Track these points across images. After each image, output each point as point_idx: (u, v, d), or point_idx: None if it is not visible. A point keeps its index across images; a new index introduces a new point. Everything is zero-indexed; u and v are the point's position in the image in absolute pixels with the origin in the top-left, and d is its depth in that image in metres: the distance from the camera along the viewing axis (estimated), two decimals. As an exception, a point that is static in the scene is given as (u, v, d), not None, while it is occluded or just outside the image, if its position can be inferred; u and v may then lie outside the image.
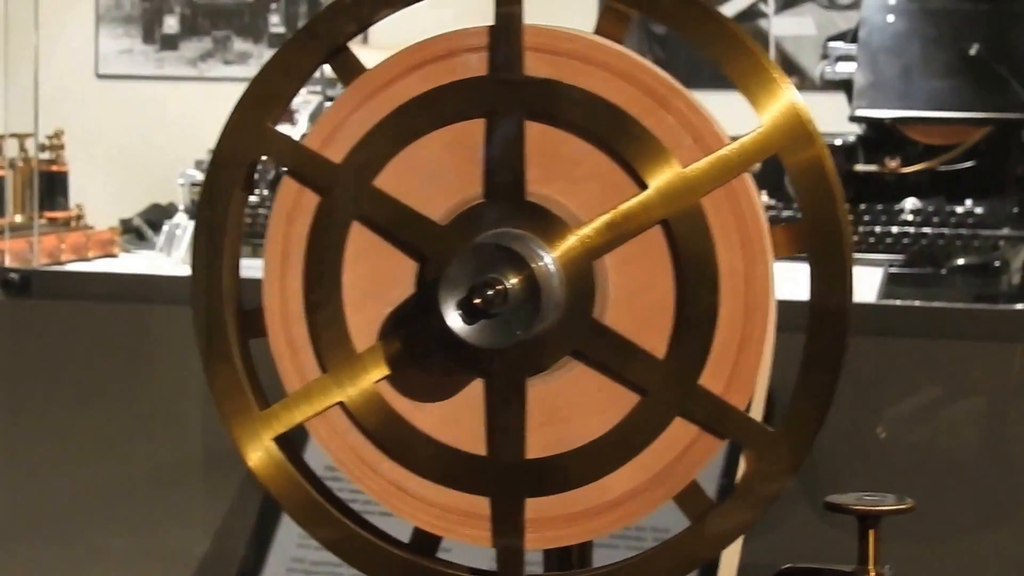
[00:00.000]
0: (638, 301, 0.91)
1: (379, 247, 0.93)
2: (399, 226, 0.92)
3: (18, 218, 3.89)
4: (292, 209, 0.94)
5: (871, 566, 0.98)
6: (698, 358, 0.90)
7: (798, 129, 0.89)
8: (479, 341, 0.88)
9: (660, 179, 0.89)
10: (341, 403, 0.94)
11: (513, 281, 0.87)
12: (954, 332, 1.94)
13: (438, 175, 0.92)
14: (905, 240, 3.16)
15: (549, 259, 0.89)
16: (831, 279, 0.89)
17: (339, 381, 0.93)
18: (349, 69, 0.93)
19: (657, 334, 0.91)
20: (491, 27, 0.91)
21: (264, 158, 0.96)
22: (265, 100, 0.94)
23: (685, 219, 0.89)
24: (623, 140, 0.90)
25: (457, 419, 0.93)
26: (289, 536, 1.72)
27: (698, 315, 0.90)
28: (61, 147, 4.13)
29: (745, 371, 0.90)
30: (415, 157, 0.92)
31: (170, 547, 1.88)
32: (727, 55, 0.90)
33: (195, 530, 1.86)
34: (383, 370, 0.93)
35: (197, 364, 0.96)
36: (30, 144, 3.95)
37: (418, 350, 0.93)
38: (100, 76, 4.32)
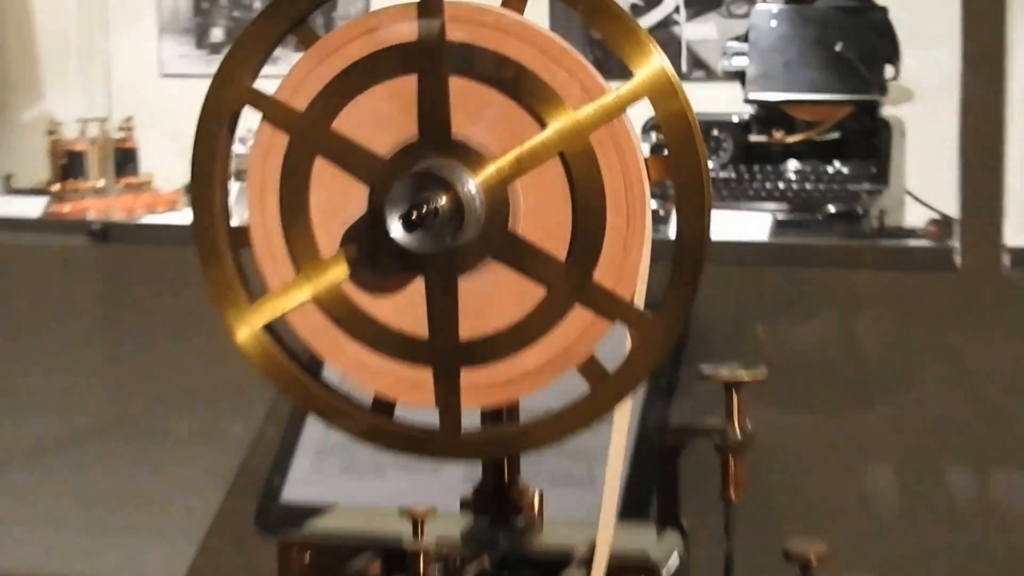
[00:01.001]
0: (543, 216, 0.89)
1: (337, 176, 0.91)
2: (352, 159, 0.90)
3: (101, 183, 3.91)
4: (267, 147, 0.92)
5: (735, 421, 0.97)
6: (591, 259, 0.88)
7: (664, 83, 0.87)
8: (417, 248, 0.87)
9: (556, 121, 0.87)
10: (314, 298, 0.92)
11: (443, 200, 0.86)
12: (825, 263, 1.94)
13: (382, 120, 0.90)
14: (788, 194, 3.17)
15: (471, 184, 0.87)
16: (691, 198, 0.87)
17: (310, 281, 0.91)
18: (308, 37, 0.91)
19: (559, 242, 0.88)
20: (419, 3, 0.89)
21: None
22: (243, 62, 0.92)
23: (577, 152, 0.88)
24: (526, 90, 0.88)
25: (405, 310, 0.91)
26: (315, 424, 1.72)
27: (590, 226, 0.88)
28: (131, 129, 4.12)
29: (629, 269, 0.88)
30: (363, 106, 0.90)
31: (223, 432, 1.88)
32: (607, 25, 0.88)
33: (244, 421, 1.85)
34: (345, 272, 0.91)
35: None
36: (101, 127, 4.02)
37: (370, 256, 0.90)
38: (164, 75, 4.38)
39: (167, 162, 3.80)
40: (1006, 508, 1.70)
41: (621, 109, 0.87)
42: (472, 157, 0.88)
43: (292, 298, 0.92)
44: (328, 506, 1.56)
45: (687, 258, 0.88)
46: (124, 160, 4.04)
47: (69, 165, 3.93)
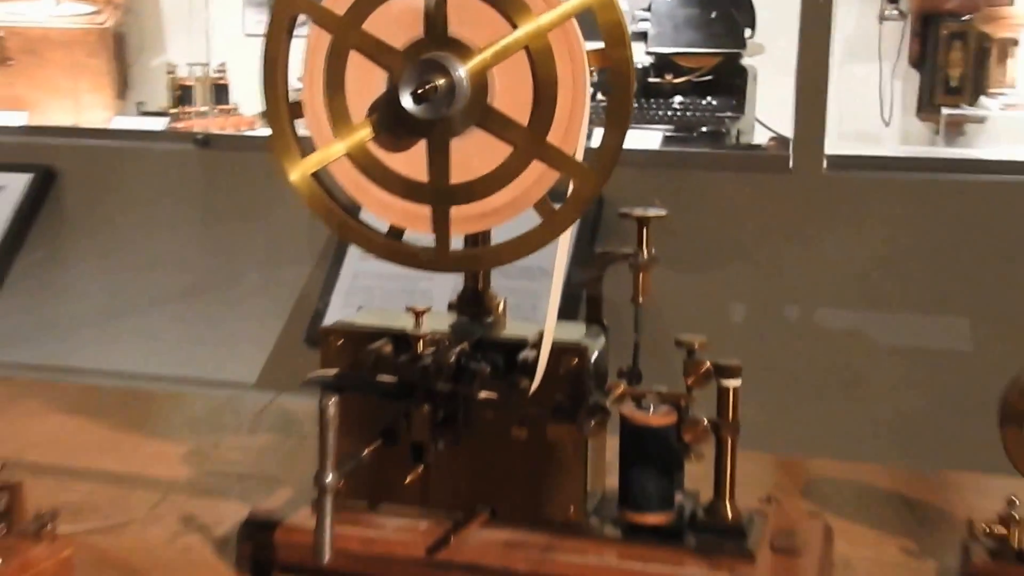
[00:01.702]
0: (512, 94, 0.86)
1: (365, 64, 0.88)
2: (376, 52, 0.87)
3: (203, 108, 4.17)
4: (316, 44, 0.89)
5: (643, 246, 0.95)
6: (546, 126, 0.86)
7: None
8: (421, 116, 0.85)
9: (524, 24, 0.85)
10: (347, 153, 0.90)
11: (441, 81, 0.84)
12: (699, 166, 1.94)
13: (398, 23, 0.87)
14: (674, 118, 3.19)
15: (462, 70, 0.85)
16: (619, 78, 0.85)
17: (345, 140, 0.89)
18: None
19: (523, 113, 0.86)
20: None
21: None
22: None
23: (539, 47, 0.85)
24: (503, 1, 0.85)
25: (412, 162, 0.89)
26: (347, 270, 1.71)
27: (546, 102, 0.86)
28: (224, 71, 4.35)
29: (573, 133, 0.86)
30: (385, 12, 0.87)
31: (283, 279, 1.86)
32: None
33: (298, 271, 1.83)
34: (370, 133, 0.89)
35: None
36: (204, 69, 4.35)
37: (388, 122, 0.88)
38: (246, 35, 4.64)
39: (248, 95, 3.99)
40: (822, 332, 1.73)
41: (571, 15, 0.85)
42: (463, 50, 0.86)
43: (331, 153, 0.90)
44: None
45: (615, 119, 0.86)
46: (219, 93, 4.34)
47: (182, 96, 4.22)
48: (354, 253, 1.77)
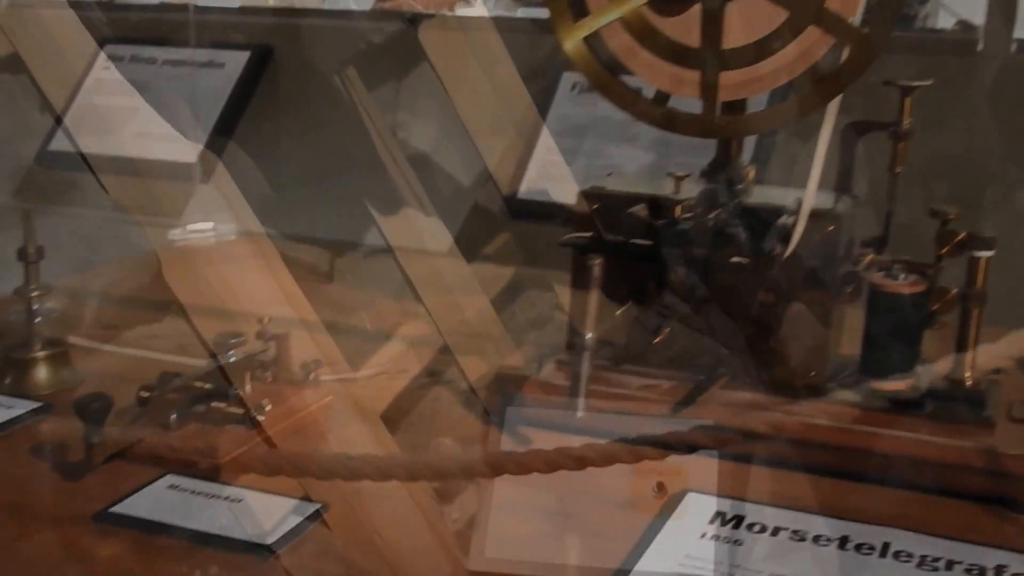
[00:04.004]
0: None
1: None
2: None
3: None
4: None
5: (904, 115, 0.94)
6: (823, -9, 0.85)
7: None
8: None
9: None
10: (622, 19, 0.90)
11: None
12: (897, 50, 1.86)
13: None
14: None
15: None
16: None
17: (620, 6, 0.89)
18: None
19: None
20: None
21: None
22: None
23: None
24: None
25: (685, 28, 0.88)
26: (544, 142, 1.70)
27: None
28: None
29: (849, 3, 0.85)
30: None
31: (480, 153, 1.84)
32: None
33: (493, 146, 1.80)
34: (645, -2, 0.89)
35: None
36: None
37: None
38: None
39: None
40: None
41: None
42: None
43: (606, 17, 0.90)
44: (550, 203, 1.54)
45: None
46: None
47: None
48: (548, 127, 1.76)
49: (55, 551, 0.74)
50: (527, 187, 1.68)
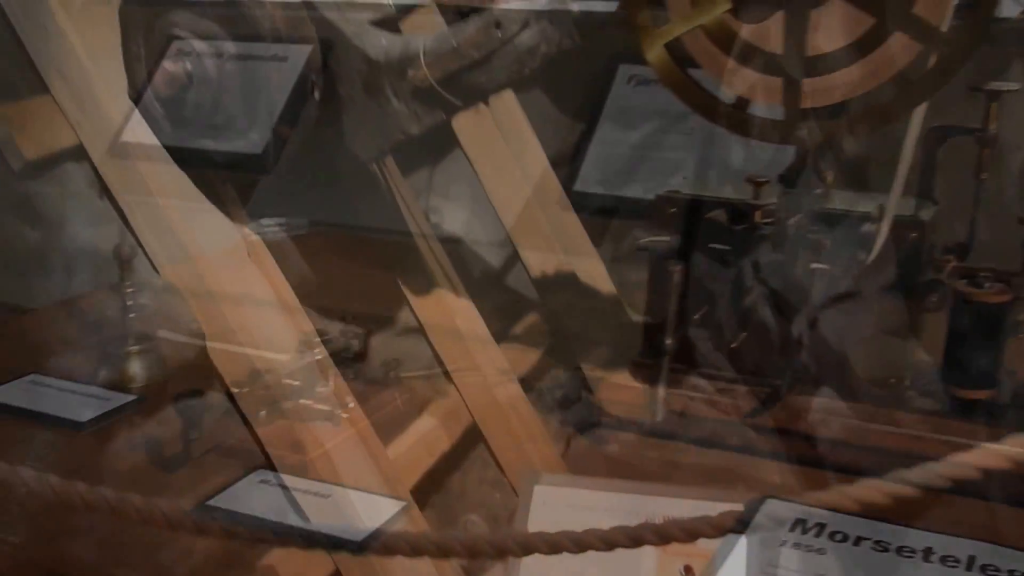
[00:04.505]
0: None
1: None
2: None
3: None
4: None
5: (990, 121, 0.93)
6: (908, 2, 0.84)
7: None
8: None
9: None
10: (703, 25, 0.90)
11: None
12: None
13: None
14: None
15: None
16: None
17: (702, 13, 0.89)
18: None
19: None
20: None
21: None
22: None
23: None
24: None
25: (766, 35, 0.88)
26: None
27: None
28: None
29: (939, 4, 0.84)
30: None
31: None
32: None
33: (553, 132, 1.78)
34: (728, 4, 0.88)
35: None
36: None
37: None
38: None
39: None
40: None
41: None
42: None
43: (687, 24, 0.89)
44: (608, 196, 1.53)
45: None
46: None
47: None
48: (605, 121, 1.75)
49: (153, 543, 0.77)
50: (583, 181, 1.66)
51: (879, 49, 0.86)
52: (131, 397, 0.97)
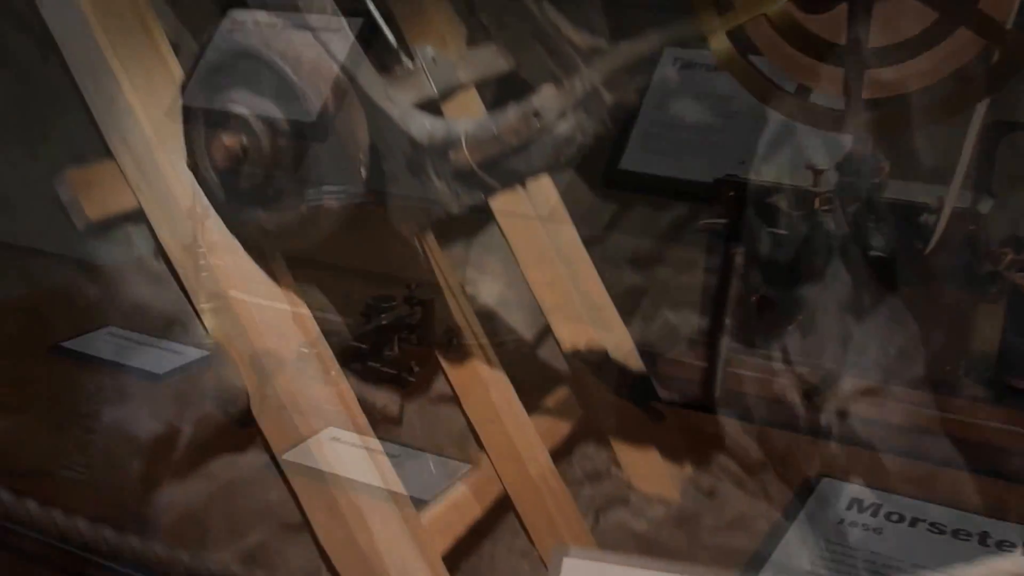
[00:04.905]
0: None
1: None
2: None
3: None
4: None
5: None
6: (974, -3, 0.84)
7: None
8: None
9: None
10: (766, 14, 0.91)
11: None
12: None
13: None
14: None
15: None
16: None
17: (766, 1, 0.90)
18: None
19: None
20: None
21: None
22: None
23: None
24: None
25: (830, 26, 0.88)
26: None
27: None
28: None
29: (1003, 4, 0.84)
30: None
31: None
32: None
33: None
34: (791, -4, 0.89)
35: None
36: None
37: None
38: None
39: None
40: None
41: None
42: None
43: (750, 12, 0.90)
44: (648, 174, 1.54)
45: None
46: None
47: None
48: (650, 102, 1.74)
49: (229, 494, 0.80)
50: (629, 158, 1.66)
51: (942, 44, 0.86)
52: (203, 352, 1.00)
